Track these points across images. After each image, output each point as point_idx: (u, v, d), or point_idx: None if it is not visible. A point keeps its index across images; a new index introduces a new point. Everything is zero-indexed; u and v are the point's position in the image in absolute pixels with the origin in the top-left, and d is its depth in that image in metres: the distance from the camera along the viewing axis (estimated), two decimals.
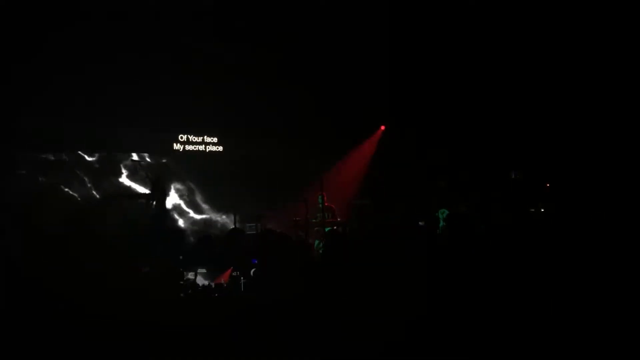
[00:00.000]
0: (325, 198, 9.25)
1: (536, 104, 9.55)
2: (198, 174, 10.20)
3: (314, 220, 9.14)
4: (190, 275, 5.15)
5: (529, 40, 8.87)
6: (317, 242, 8.77)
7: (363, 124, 10.90)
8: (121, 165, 9.65)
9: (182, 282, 4.80)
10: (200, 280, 5.45)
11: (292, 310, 3.28)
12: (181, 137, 10.20)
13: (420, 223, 8.55)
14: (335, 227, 8.94)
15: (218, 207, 10.31)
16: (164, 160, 9.97)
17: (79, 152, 9.27)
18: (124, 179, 9.59)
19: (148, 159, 9.86)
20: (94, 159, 9.41)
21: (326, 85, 9.73)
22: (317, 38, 9.00)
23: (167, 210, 7.80)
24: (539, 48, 8.95)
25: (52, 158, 9.02)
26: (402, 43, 9.26)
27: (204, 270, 5.79)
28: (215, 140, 10.45)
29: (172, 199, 10.03)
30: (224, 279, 5.36)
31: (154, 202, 7.26)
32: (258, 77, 9.46)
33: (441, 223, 9.50)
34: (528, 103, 9.59)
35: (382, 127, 11.24)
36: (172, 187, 10.05)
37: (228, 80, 9.48)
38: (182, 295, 4.39)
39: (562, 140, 9.43)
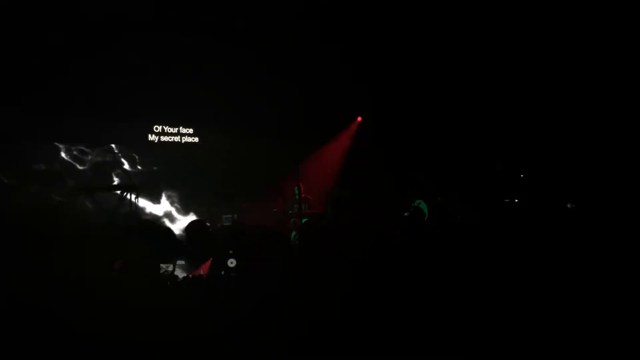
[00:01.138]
0: (302, 189, 9.23)
1: (515, 95, 9.64)
2: (175, 166, 10.07)
3: (290, 212, 9.11)
4: (169, 268, 4.98)
5: (509, 29, 8.95)
6: (293, 233, 8.74)
7: (340, 115, 10.88)
8: (112, 174, 9.53)
9: (160, 274, 4.67)
10: (179, 273, 5.20)
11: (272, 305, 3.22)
12: (156, 128, 10.07)
13: (405, 214, 8.58)
14: (313, 219, 8.93)
15: (199, 202, 10.17)
16: (155, 168, 9.87)
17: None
18: None
19: (140, 167, 9.73)
20: (85, 167, 9.27)
21: (303, 76, 9.69)
22: (295, 28, 8.97)
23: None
24: (519, 37, 9.04)
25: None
26: (379, 33, 9.29)
27: (182, 262, 5.64)
28: (190, 131, 10.33)
29: (163, 206, 9.98)
30: (203, 270, 5.17)
31: (128, 194, 7.14)
32: (233, 68, 9.38)
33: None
34: (507, 94, 9.67)
35: (359, 119, 11.23)
36: (163, 193, 9.96)
37: (203, 71, 9.40)
38: (159, 287, 4.28)
39: (540, 131, 9.54)
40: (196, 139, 10.35)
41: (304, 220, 8.85)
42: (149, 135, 10.01)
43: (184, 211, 10.15)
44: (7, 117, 8.18)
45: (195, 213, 10.10)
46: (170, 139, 10.18)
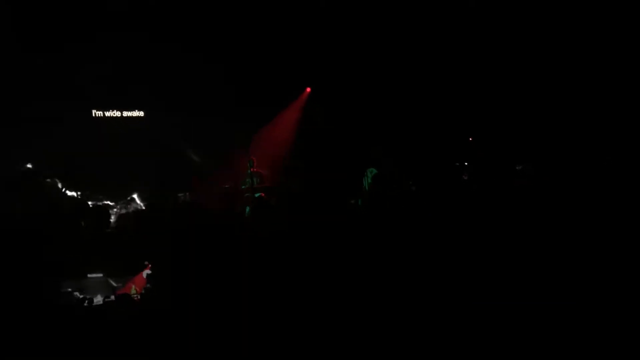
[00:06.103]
0: (255, 163, 9.15)
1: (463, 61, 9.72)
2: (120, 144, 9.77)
3: (243, 187, 9.06)
4: (77, 294, 3.45)
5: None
6: (247, 208, 8.73)
7: (289, 86, 10.74)
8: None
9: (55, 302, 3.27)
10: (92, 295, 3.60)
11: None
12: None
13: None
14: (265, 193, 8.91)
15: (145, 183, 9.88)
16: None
17: None
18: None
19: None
20: None
21: (250, 48, 9.50)
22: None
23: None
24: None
25: None
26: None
27: (99, 275, 3.96)
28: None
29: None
30: (135, 285, 3.76)
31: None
32: (180, 42, 9.13)
33: (369, 180, 9.69)
34: (454, 56, 9.74)
35: (308, 89, 11.09)
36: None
37: (149, 46, 9.10)
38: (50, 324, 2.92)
39: (488, 97, 9.68)
40: (141, 113, 10.04)
41: (257, 195, 8.86)
42: (93, 112, 9.67)
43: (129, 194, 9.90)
44: None
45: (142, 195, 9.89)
46: (115, 113, 9.86)
